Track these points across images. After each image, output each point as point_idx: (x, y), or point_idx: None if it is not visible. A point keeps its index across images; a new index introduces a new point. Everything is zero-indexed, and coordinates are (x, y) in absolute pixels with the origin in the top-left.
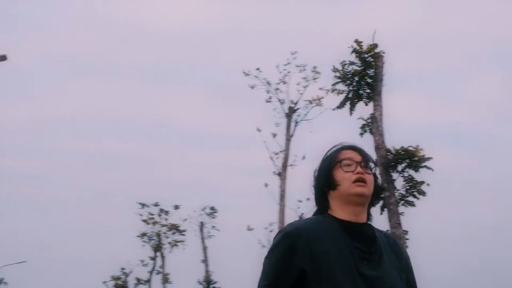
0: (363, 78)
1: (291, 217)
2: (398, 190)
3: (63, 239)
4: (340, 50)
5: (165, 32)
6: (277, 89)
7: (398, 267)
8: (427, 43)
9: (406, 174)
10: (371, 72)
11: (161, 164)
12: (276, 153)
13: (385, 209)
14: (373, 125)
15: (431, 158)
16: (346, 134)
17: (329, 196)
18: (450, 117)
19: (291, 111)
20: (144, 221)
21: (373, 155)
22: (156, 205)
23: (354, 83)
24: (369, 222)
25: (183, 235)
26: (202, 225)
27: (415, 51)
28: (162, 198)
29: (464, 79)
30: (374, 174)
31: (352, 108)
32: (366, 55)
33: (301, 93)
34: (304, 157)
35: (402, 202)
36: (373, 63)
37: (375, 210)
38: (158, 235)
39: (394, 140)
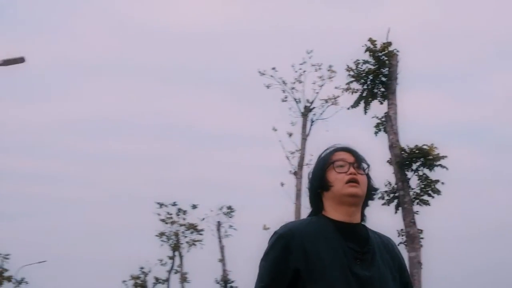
0: (377, 76)
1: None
2: (413, 189)
3: (83, 239)
4: (356, 49)
5: (183, 33)
6: (292, 88)
7: (391, 267)
8: (442, 41)
9: (420, 173)
10: (385, 70)
11: (179, 164)
12: (292, 152)
13: (400, 208)
14: (387, 124)
15: (446, 156)
16: (361, 133)
17: (323, 197)
18: (466, 115)
19: (307, 110)
20: (162, 220)
21: (387, 154)
22: (174, 204)
23: (369, 82)
24: (362, 223)
25: (200, 234)
26: (219, 224)
27: (430, 50)
28: (180, 197)
29: (479, 78)
30: (368, 175)
31: (366, 107)
32: (380, 54)
33: (317, 92)
34: None
35: (417, 201)
36: (387, 62)
37: (389, 209)
38: (176, 234)
39: (409, 139)
